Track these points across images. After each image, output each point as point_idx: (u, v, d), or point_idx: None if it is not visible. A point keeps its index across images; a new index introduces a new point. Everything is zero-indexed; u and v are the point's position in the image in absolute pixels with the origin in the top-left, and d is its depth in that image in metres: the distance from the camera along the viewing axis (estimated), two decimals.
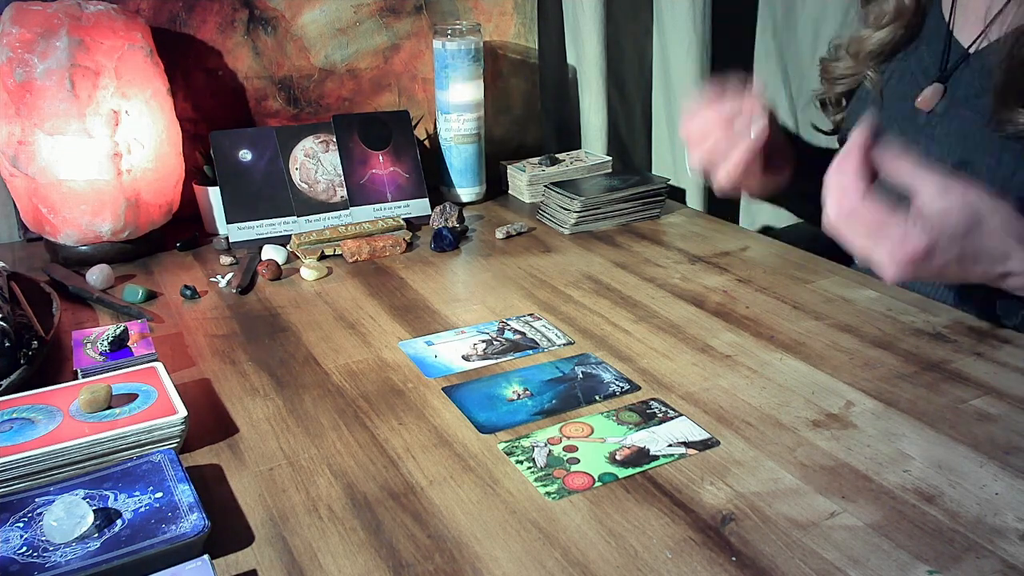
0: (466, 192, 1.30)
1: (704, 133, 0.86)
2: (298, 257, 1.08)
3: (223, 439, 0.70)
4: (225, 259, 1.07)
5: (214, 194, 1.14)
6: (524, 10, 1.39)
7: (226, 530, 0.58)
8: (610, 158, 1.37)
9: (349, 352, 0.84)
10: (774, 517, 0.59)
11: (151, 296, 0.97)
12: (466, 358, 0.82)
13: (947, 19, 0.94)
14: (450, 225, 1.15)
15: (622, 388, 0.76)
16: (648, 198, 1.20)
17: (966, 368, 0.78)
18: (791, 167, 0.96)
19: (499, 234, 1.15)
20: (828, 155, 1.07)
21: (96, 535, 0.56)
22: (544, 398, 0.75)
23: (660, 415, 0.72)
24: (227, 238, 1.12)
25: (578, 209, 1.15)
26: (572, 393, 0.75)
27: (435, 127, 1.31)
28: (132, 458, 0.64)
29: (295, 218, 1.15)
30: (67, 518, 0.55)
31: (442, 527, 0.59)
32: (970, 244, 0.67)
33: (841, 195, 0.67)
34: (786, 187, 0.98)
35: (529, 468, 0.65)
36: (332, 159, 1.19)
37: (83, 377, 0.75)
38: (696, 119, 0.87)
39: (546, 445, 0.68)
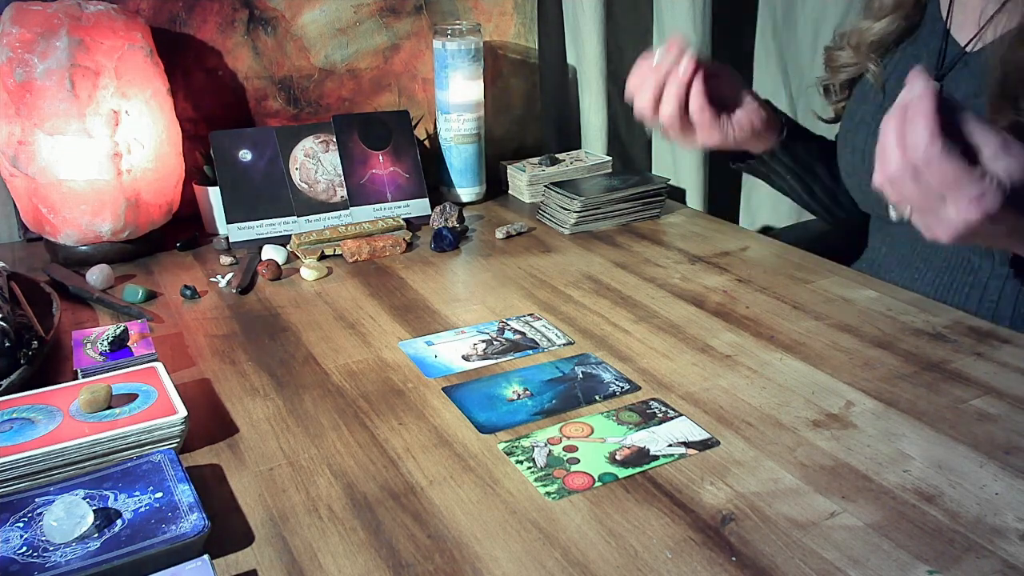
0: (466, 192, 1.30)
1: (640, 83, 0.91)
2: (298, 257, 1.08)
3: (223, 439, 0.70)
4: (225, 259, 1.07)
5: (214, 194, 1.14)
6: (524, 10, 1.39)
7: (226, 530, 0.58)
8: (610, 158, 1.37)
9: (349, 352, 0.84)
10: (774, 517, 0.59)
11: (151, 296, 0.97)
12: (466, 358, 0.82)
13: (944, 18, 0.94)
14: (450, 225, 1.15)
15: (622, 388, 0.76)
16: (648, 198, 1.20)
17: (966, 368, 0.78)
18: (770, 133, 0.99)
19: (499, 234, 1.15)
20: (822, 143, 1.09)
21: (96, 535, 0.56)
22: (544, 398, 0.75)
23: (660, 415, 0.71)
24: (227, 238, 1.12)
25: (578, 209, 1.15)
26: (572, 393, 0.75)
27: (435, 127, 1.31)
28: (132, 458, 0.64)
29: (295, 218, 1.15)
30: (67, 518, 0.55)
31: (442, 527, 0.59)
32: None
33: (909, 148, 0.61)
34: (766, 153, 1.02)
35: (529, 468, 0.65)
36: (332, 159, 1.19)
37: (83, 377, 0.75)
38: (632, 75, 0.92)
39: (546, 445, 0.68)
